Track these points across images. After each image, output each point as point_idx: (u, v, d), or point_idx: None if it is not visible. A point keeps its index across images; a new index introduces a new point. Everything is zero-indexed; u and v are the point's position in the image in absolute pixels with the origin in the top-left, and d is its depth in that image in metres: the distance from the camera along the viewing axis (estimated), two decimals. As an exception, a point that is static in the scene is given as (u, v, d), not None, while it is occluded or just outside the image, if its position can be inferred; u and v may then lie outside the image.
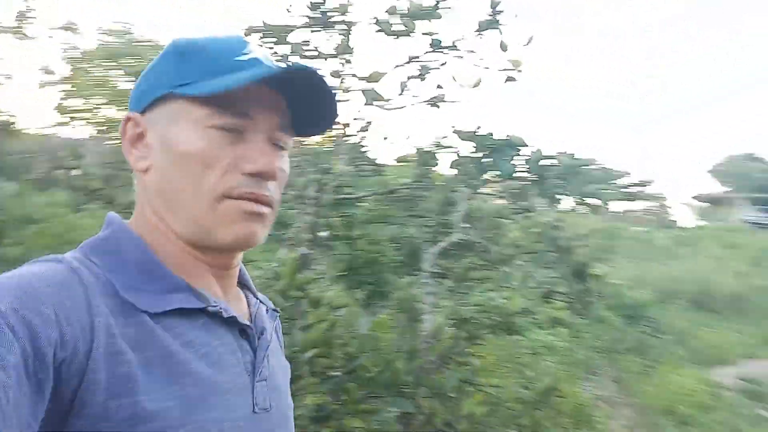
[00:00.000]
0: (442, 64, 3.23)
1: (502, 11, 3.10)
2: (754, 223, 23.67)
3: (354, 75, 3.26)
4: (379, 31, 3.67)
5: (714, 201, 29.84)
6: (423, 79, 3.17)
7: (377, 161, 3.73)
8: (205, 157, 0.66)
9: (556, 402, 3.17)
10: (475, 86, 2.99)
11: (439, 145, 3.34)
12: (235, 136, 0.67)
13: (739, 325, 11.91)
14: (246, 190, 0.67)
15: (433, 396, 2.72)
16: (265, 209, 0.68)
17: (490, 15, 3.22)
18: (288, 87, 0.69)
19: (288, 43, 3.74)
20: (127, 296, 0.61)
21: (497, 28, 3.20)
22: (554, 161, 2.99)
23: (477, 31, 3.10)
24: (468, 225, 3.07)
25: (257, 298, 0.82)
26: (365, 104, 3.07)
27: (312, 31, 3.80)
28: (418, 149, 3.34)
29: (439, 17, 3.41)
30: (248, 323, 0.72)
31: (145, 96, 0.71)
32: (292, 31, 3.76)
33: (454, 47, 3.14)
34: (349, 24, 3.75)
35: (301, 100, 0.71)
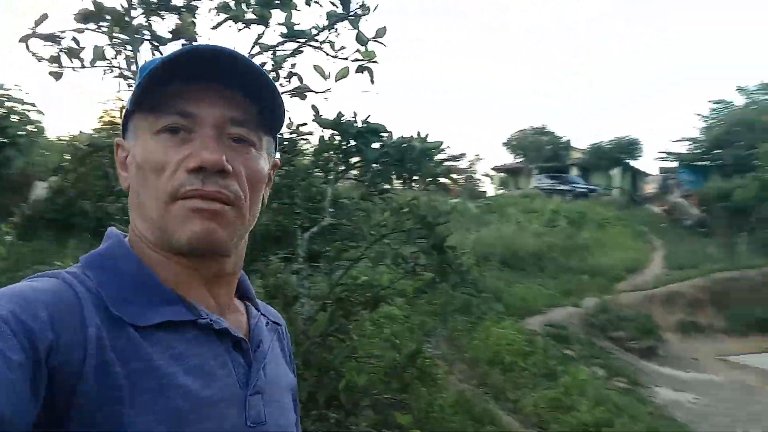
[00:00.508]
0: (295, 53, 3.27)
1: (358, 2, 3.20)
2: (544, 189, 27.26)
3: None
4: (228, 18, 3.59)
5: (511, 171, 33.75)
6: (278, 70, 3.19)
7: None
8: (155, 163, 0.67)
9: (420, 363, 3.51)
10: (339, 78, 3.09)
11: (299, 134, 3.42)
12: (182, 138, 0.67)
13: (541, 279, 13.78)
14: (190, 187, 0.65)
15: (319, 374, 2.85)
16: (214, 205, 0.66)
17: (343, 7, 3.34)
18: (228, 78, 0.68)
19: (126, 25, 3.50)
20: (115, 310, 0.62)
21: (350, 20, 3.32)
22: (410, 145, 3.23)
23: (328, 25, 3.20)
24: (334, 209, 3.21)
25: (258, 310, 0.81)
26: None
27: (151, 15, 3.59)
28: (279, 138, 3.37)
29: (294, 7, 3.45)
30: (241, 336, 0.71)
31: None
32: (128, 14, 3.51)
33: (312, 38, 3.20)
34: (192, 8, 3.60)
35: (252, 91, 0.70)
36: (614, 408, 6.70)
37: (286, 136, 3.45)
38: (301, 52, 3.23)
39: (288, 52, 3.43)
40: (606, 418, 6.16)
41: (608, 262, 16.09)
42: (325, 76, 3.15)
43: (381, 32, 3.56)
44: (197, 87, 0.67)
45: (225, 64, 0.67)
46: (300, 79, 3.24)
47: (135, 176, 0.70)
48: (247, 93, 0.70)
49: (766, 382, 9.40)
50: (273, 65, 3.41)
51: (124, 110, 0.75)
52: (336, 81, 2.98)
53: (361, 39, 3.18)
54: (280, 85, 3.23)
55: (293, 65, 3.25)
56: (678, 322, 12.84)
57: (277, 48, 3.40)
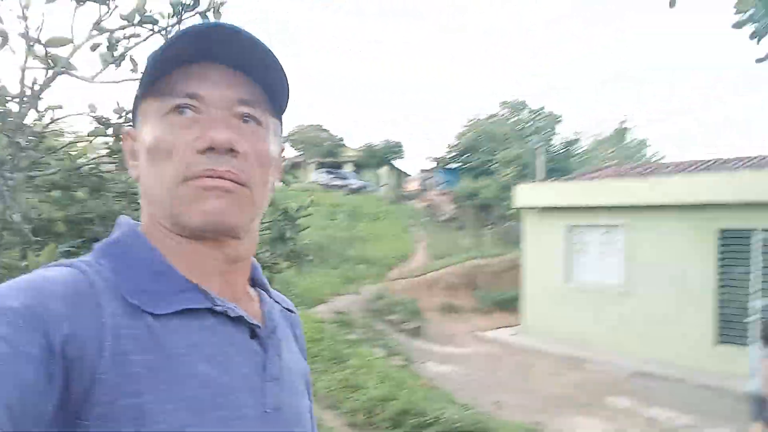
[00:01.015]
0: (132, 38, 3.11)
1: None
2: (322, 183, 28.36)
3: (29, 36, 2.86)
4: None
5: (293, 165, 34.30)
6: (114, 52, 3.01)
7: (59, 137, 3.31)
8: (164, 146, 0.66)
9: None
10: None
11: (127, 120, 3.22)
12: (190, 119, 0.66)
13: (325, 269, 14.49)
14: (202, 167, 0.65)
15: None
16: (226, 183, 0.66)
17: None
18: (234, 57, 0.67)
19: None
20: (131, 298, 0.61)
21: (199, 13, 3.26)
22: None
23: (173, 13, 3.11)
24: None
25: (271, 297, 0.82)
26: (53, 71, 2.77)
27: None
28: (102, 122, 3.16)
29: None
30: (256, 323, 0.71)
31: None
32: None
33: (154, 21, 3.07)
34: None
35: (258, 71, 0.69)
36: (396, 383, 7.47)
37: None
38: (143, 39, 3.07)
39: (127, 36, 3.23)
40: (391, 393, 6.84)
41: (381, 252, 17.54)
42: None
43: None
44: (204, 67, 0.67)
45: (231, 42, 0.66)
46: (135, 64, 3.08)
47: (145, 161, 0.69)
48: (254, 73, 0.69)
49: (507, 352, 11.30)
50: (107, 46, 3.19)
51: (134, 98, 0.72)
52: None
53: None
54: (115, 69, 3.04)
55: (128, 49, 3.08)
56: (439, 304, 14.60)
57: (116, 31, 3.18)
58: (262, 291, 0.81)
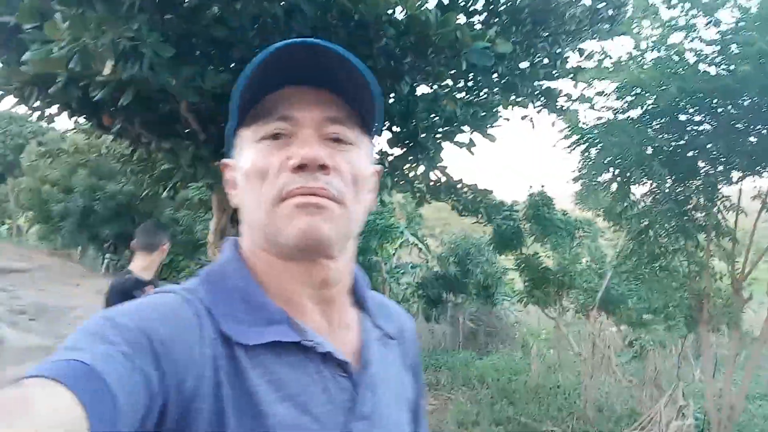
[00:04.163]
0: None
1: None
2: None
3: None
4: None
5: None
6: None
7: None
8: (259, 169, 0.67)
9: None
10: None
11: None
12: (283, 142, 0.68)
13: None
14: (295, 186, 0.65)
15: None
16: (320, 200, 0.65)
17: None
18: (320, 77, 0.67)
19: None
20: (224, 328, 0.62)
21: None
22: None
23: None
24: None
25: (372, 319, 0.78)
26: None
27: None
28: None
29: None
30: (345, 359, 0.68)
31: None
32: None
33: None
34: None
35: (349, 90, 0.69)
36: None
37: None
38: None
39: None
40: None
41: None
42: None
43: None
44: (294, 89, 0.68)
45: (319, 61, 0.66)
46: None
47: (242, 187, 0.71)
48: (343, 91, 0.69)
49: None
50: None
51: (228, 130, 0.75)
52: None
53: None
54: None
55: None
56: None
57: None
58: (366, 315, 0.79)
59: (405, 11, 3.14)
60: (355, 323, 0.76)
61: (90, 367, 0.49)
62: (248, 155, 0.69)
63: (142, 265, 3.29)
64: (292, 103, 0.67)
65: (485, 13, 4.22)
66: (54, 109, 3.92)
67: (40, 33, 2.71)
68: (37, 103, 3.61)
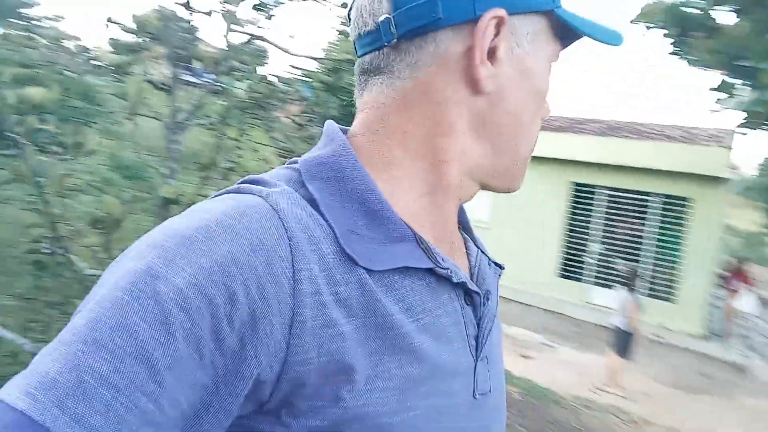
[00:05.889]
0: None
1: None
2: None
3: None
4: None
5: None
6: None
7: None
8: (543, 100, 0.59)
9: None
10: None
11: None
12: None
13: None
14: (536, 140, 0.62)
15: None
16: None
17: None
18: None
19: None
20: (347, 247, 0.48)
21: None
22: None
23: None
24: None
25: (477, 246, 0.67)
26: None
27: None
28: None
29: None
30: (477, 290, 0.58)
31: None
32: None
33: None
34: None
35: None
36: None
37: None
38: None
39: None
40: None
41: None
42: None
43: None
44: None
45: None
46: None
47: (520, 97, 0.57)
48: None
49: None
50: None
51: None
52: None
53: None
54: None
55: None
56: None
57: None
58: (467, 237, 0.67)
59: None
60: (463, 245, 0.65)
61: None
62: (545, 71, 0.58)
63: None
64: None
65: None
66: None
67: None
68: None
